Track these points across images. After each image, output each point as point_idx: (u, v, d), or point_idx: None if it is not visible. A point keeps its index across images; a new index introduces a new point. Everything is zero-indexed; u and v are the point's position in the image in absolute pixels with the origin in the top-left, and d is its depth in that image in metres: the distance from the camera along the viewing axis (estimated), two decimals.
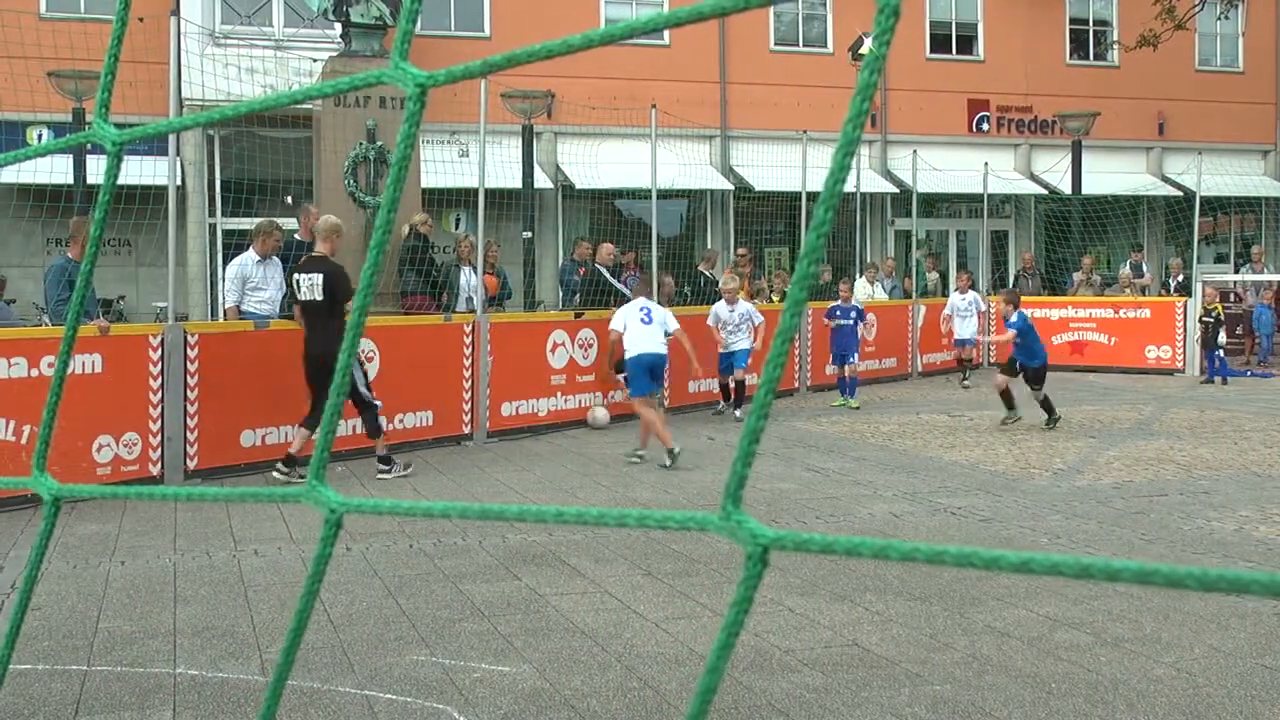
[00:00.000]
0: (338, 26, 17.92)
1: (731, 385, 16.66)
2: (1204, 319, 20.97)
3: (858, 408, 17.73)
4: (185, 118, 1.10)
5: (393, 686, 5.93)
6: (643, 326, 12.77)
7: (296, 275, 11.81)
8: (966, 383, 21.10)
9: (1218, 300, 21.43)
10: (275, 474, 11.67)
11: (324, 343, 11.37)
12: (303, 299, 11.73)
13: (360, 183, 16.04)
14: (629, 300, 13.52)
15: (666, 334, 12.88)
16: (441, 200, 20.84)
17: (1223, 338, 21.01)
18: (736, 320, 16.50)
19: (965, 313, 21.51)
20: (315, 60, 21.17)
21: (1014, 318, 15.91)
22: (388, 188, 0.95)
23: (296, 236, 13.99)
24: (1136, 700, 5.74)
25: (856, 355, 18.48)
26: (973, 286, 21.71)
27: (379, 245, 0.99)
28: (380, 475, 11.90)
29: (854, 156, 0.84)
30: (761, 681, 5.98)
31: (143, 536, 9.27)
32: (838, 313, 18.34)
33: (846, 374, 18.28)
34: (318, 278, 11.56)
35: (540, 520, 0.86)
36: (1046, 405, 15.54)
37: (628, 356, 12.75)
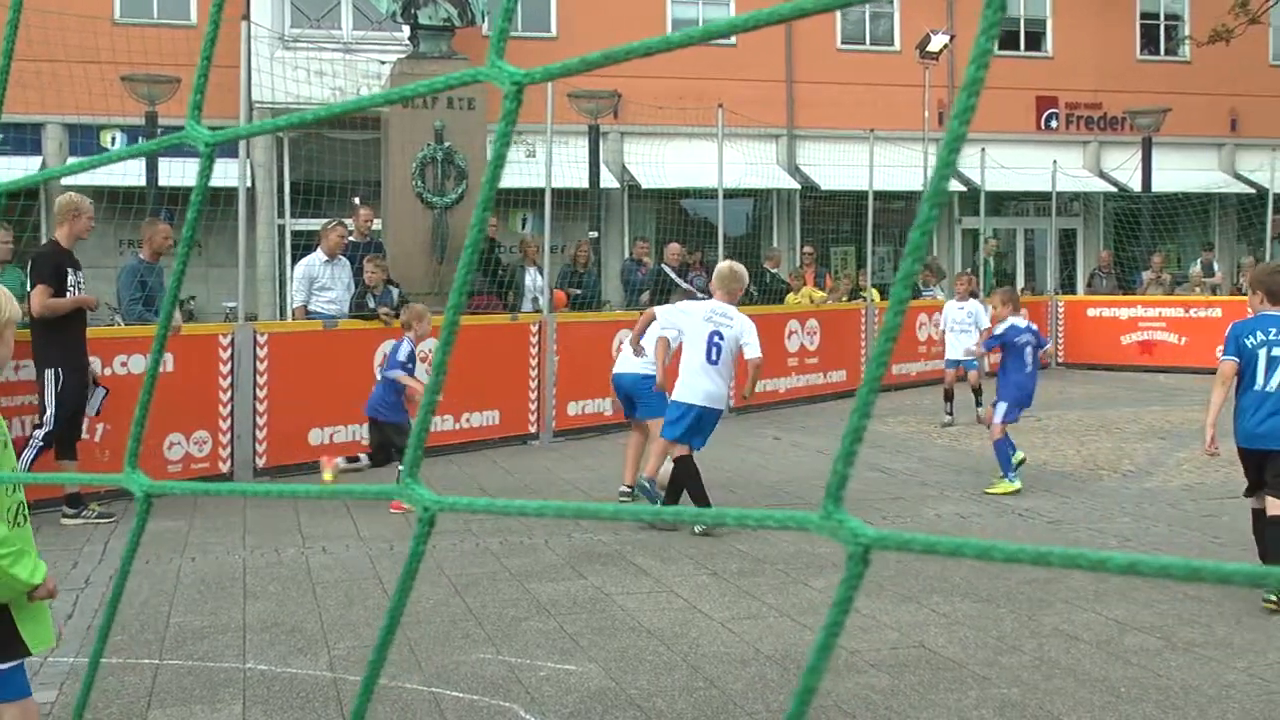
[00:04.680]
0: (406, 29, 18.03)
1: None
2: None
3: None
4: (276, 119, 1.12)
5: (459, 684, 5.97)
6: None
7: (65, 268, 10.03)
8: (949, 418, 16.04)
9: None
10: (63, 519, 9.81)
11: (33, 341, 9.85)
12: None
13: (428, 183, 16.13)
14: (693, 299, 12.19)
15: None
16: (508, 200, 20.95)
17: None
18: (964, 320, 15.80)
19: (962, 326, 16.31)
20: (383, 63, 21.32)
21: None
22: (483, 186, 0.96)
23: (351, 238, 14.09)
24: (1208, 706, 5.67)
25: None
26: (973, 294, 16.88)
27: (474, 244, 1.00)
28: (64, 520, 9.83)
29: (959, 153, 0.83)
30: (827, 682, 5.96)
31: (213, 533, 9.39)
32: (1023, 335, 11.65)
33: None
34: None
35: (636, 519, 0.87)
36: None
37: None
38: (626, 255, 21.03)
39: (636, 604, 7.41)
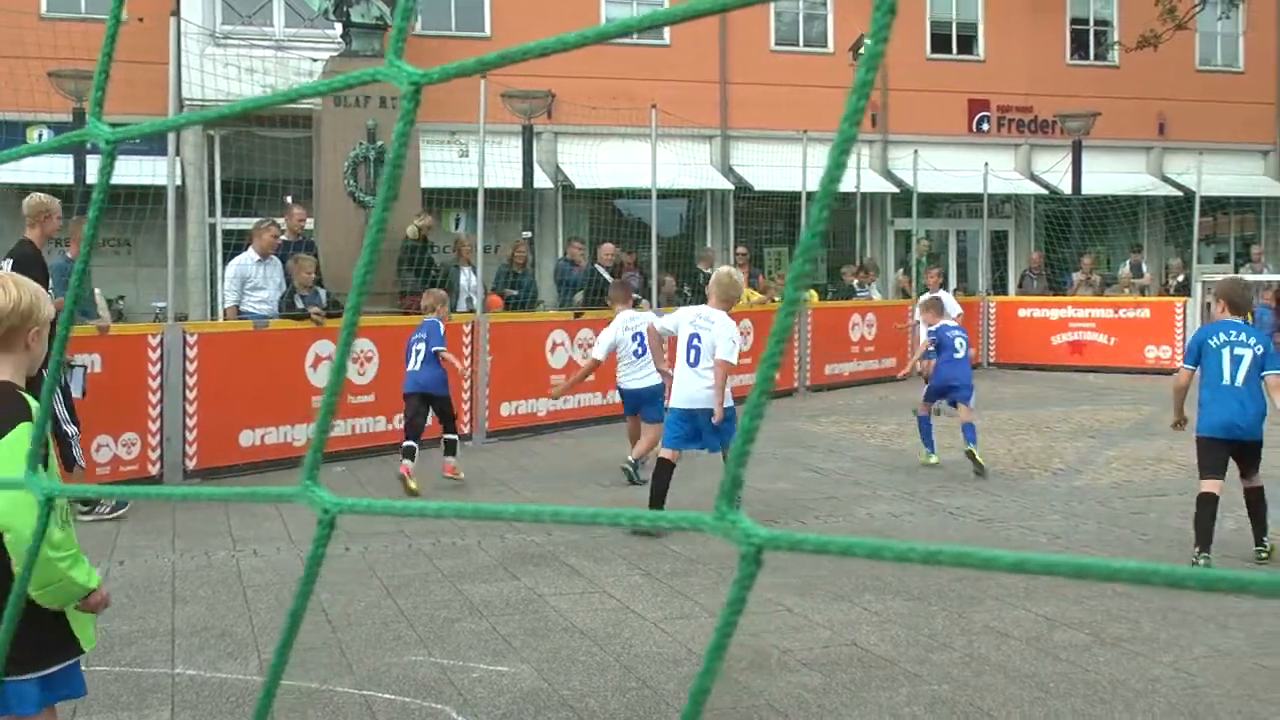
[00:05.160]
0: (338, 27, 17.91)
1: None
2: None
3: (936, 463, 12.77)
4: (178, 116, 1.10)
5: (391, 686, 5.93)
6: (635, 361, 11.76)
7: None
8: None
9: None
10: (79, 516, 9.59)
11: None
12: None
13: (360, 183, 16.04)
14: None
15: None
16: (441, 200, 20.83)
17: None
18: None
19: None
20: (315, 60, 21.18)
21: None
22: (382, 186, 0.94)
23: (283, 237, 13.98)
24: (1135, 700, 5.74)
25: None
26: (943, 287, 17.23)
27: (373, 244, 0.99)
28: (81, 517, 9.75)
29: (850, 155, 0.83)
30: (760, 681, 5.98)
31: (142, 536, 9.27)
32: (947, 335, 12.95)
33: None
34: (7, 264, 9.85)
35: (536, 520, 0.86)
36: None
37: (627, 387, 11.93)
38: (560, 255, 20.99)
39: (569, 604, 7.40)
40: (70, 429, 9.66)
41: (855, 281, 22.48)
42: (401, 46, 0.98)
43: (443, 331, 11.41)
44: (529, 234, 19.91)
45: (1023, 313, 23.81)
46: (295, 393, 12.20)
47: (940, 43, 29.94)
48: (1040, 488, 11.34)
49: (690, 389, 9.59)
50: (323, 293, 13.43)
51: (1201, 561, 7.87)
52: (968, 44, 30.34)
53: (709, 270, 20.10)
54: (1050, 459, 12.94)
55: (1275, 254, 31.20)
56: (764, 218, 26.90)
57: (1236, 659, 6.32)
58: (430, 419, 11.41)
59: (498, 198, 17.81)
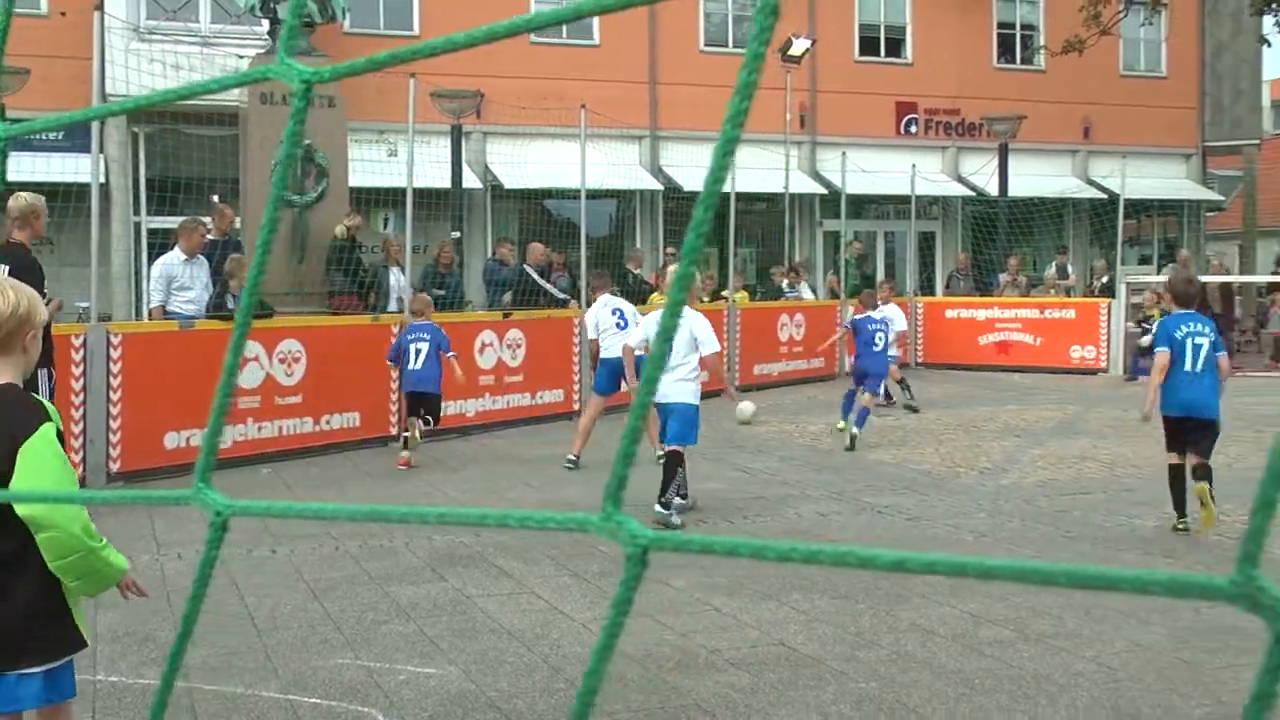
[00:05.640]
0: (265, 23, 17.75)
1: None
2: (1143, 323, 21.13)
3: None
4: (76, 112, 1.08)
5: (317, 690, 5.89)
6: (618, 333, 12.46)
7: None
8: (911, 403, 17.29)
9: (1157, 306, 21.62)
10: None
11: None
12: None
13: (287, 181, 15.89)
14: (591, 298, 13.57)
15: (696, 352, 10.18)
16: (370, 200, 20.67)
17: (1146, 340, 21.23)
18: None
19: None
20: (242, 57, 20.97)
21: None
22: (274, 184, 0.93)
23: (210, 236, 13.83)
24: (1058, 695, 5.81)
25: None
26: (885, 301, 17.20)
27: (265, 245, 0.98)
28: None
29: (732, 156, 0.83)
30: (688, 681, 5.99)
31: None
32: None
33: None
34: (3, 269, 9.66)
35: (423, 522, 0.85)
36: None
37: (604, 356, 12.60)
38: (489, 255, 20.90)
39: (497, 606, 7.37)
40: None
41: (785, 282, 22.58)
42: (292, 44, 0.97)
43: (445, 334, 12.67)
44: (458, 234, 19.83)
45: (950, 313, 24.04)
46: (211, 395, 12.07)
47: (868, 45, 30.15)
48: (967, 486, 11.44)
49: (662, 385, 9.59)
50: None
51: (1180, 526, 9.21)
52: (896, 47, 30.57)
53: (638, 270, 20.14)
54: (977, 458, 13.06)
55: (1198, 256, 31.70)
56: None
57: (1157, 653, 6.41)
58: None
59: (426, 197, 17.72)
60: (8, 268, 9.61)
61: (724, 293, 20.83)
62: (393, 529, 9.36)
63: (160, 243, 16.95)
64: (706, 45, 28.45)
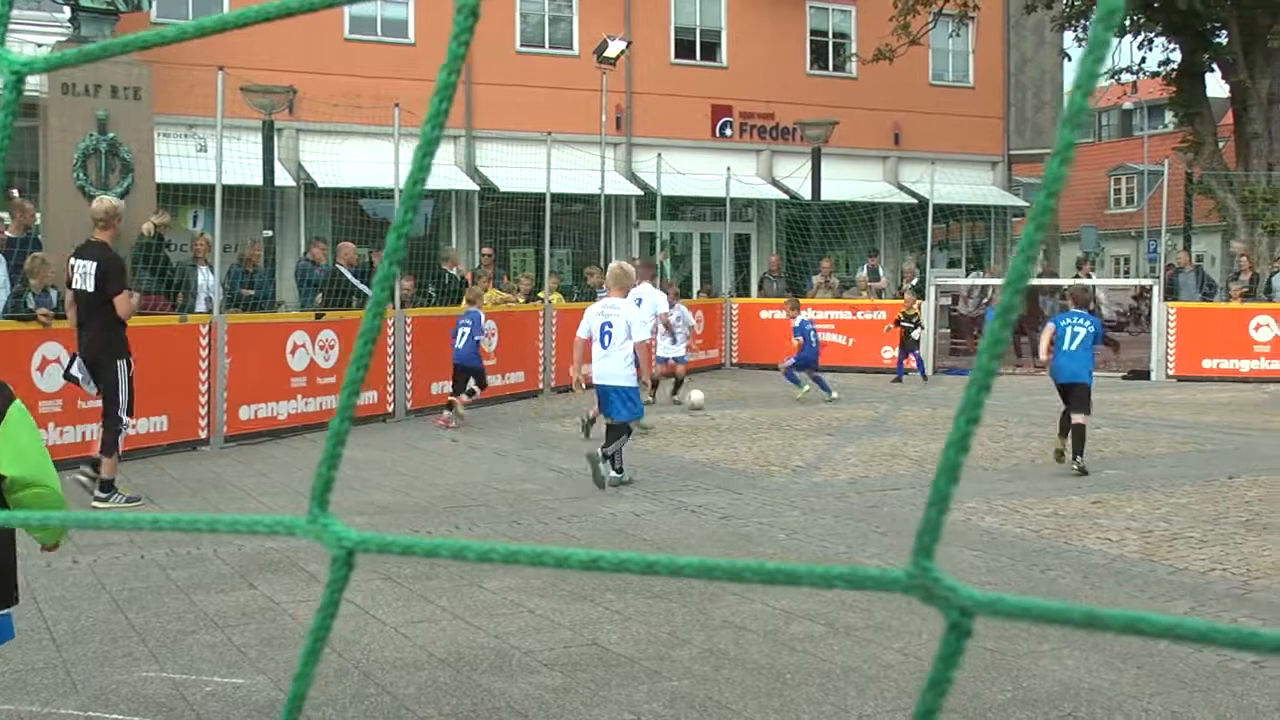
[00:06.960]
0: (66, 10, 17.15)
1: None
2: (903, 322, 21.74)
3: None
4: None
5: (120, 705, 5.71)
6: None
7: (72, 260, 10.71)
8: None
9: (916, 305, 22.28)
10: (94, 503, 10.43)
11: (93, 338, 10.57)
12: (75, 287, 10.66)
13: (91, 176, 15.38)
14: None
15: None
16: (178, 196, 20.13)
17: (918, 334, 21.92)
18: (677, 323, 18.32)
19: (679, 329, 18.64)
20: (40, 45, 20.23)
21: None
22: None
23: (8, 234, 13.33)
24: (866, 685, 5.93)
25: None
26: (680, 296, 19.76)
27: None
28: (95, 504, 10.43)
29: (433, 157, 0.83)
30: (500, 683, 5.97)
31: None
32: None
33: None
34: (90, 265, 10.45)
35: (135, 529, 0.83)
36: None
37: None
38: (302, 255, 20.55)
39: (308, 612, 7.24)
40: (126, 418, 10.71)
41: (598, 284, 22.64)
42: (3, 34, 0.93)
43: (484, 320, 15.92)
44: (269, 233, 19.46)
45: (764, 314, 24.38)
46: (21, 398, 11.61)
47: (684, 48, 30.45)
48: (780, 484, 11.61)
49: (601, 367, 11.47)
50: (54, 293, 12.84)
51: (1060, 447, 12.51)
52: (711, 50, 30.93)
53: (453, 270, 19.99)
54: (790, 456, 13.27)
55: (1005, 260, 32.71)
56: (509, 218, 26.92)
57: None
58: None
59: (237, 195, 17.32)
60: (95, 264, 10.37)
61: (540, 294, 20.81)
62: (200, 535, 9.13)
63: None
64: (522, 46, 28.43)
